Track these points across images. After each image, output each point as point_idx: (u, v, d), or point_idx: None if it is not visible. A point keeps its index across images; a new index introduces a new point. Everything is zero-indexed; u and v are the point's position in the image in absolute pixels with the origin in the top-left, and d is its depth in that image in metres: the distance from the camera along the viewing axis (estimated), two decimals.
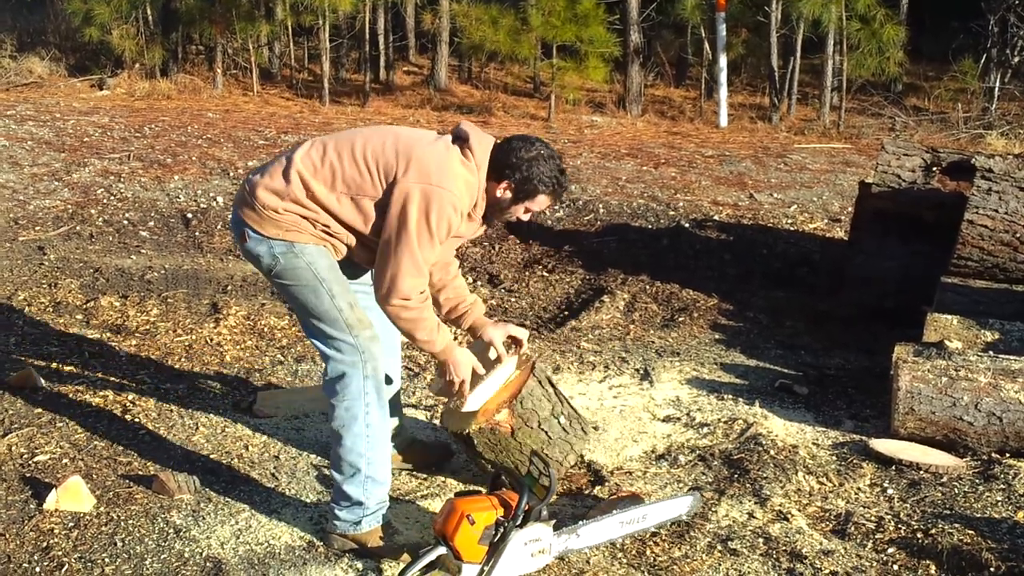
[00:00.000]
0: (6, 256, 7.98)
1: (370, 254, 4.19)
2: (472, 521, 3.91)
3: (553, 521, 4.08)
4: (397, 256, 4.04)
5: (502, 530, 3.93)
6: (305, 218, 4.12)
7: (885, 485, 4.86)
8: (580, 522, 4.18)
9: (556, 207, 10.02)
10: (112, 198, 9.95)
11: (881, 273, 7.36)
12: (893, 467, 5.02)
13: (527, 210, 4.36)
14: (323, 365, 4.26)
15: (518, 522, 3.94)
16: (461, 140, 4.25)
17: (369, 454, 4.16)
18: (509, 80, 20.82)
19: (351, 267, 4.35)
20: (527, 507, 3.96)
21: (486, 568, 3.92)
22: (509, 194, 4.28)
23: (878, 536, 4.39)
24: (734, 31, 18.08)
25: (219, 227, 9.15)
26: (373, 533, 4.16)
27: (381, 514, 4.21)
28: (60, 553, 4.02)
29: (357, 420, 4.15)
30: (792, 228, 9.74)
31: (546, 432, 4.54)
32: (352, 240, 4.20)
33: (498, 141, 4.35)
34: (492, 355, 4.54)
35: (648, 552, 4.23)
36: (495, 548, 3.93)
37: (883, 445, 5.20)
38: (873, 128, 16.31)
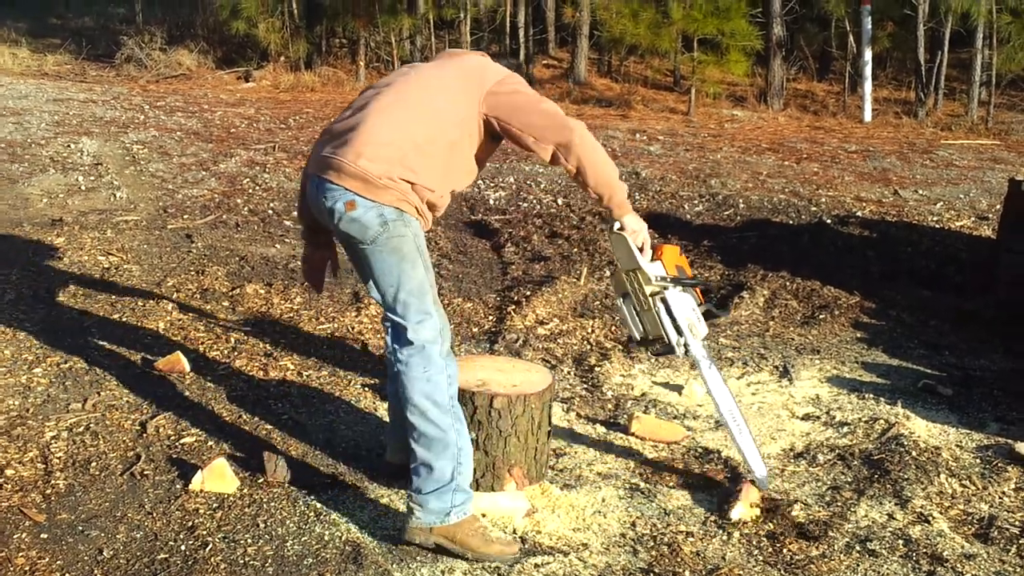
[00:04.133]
0: (156, 243, 8.19)
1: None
2: (681, 253, 4.60)
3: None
4: (538, 106, 4.17)
5: (703, 281, 4.64)
6: (412, 184, 4.04)
7: None
8: (716, 363, 4.72)
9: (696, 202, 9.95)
10: (257, 188, 10.16)
11: None
12: None
13: None
14: (390, 340, 4.11)
15: (702, 287, 4.68)
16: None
17: (457, 425, 4.05)
18: (649, 73, 20.73)
19: None
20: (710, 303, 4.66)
21: (670, 278, 4.47)
22: None
23: (1022, 541, 4.28)
24: (879, 24, 17.78)
25: None
26: (464, 525, 4.01)
27: (467, 507, 4.05)
28: (205, 532, 4.11)
29: (441, 390, 4.01)
30: (938, 226, 9.55)
31: None
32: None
33: None
34: None
35: (785, 551, 4.19)
36: (682, 281, 4.51)
37: None
38: (1023, 124, 15.89)
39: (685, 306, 4.46)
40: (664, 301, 4.43)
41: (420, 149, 4.04)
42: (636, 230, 4.39)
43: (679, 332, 4.44)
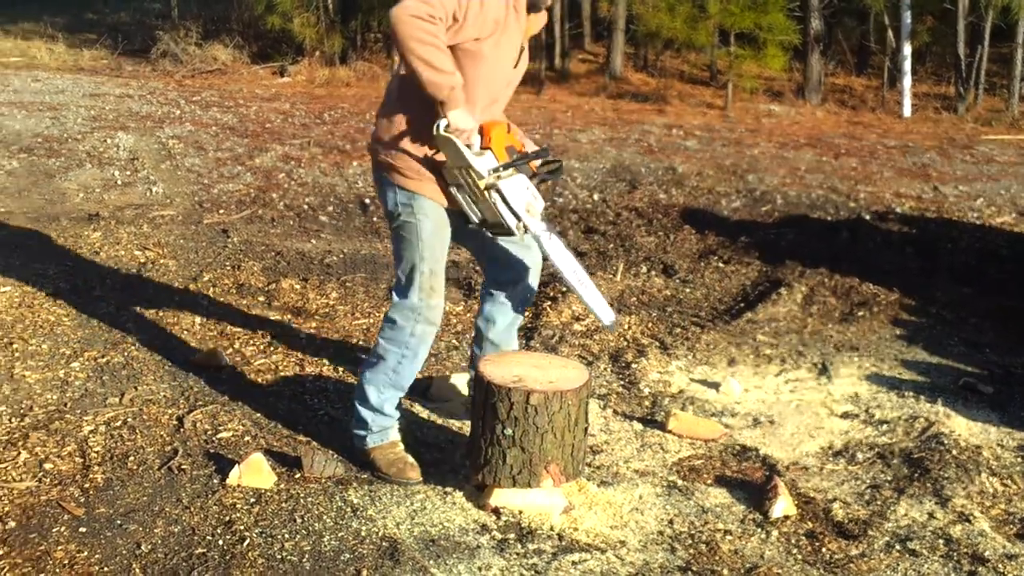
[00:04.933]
0: (192, 238, 8.22)
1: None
2: (509, 130, 4.44)
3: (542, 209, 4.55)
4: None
5: (527, 154, 4.44)
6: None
7: None
8: (554, 231, 4.65)
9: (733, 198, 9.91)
10: (293, 183, 10.18)
11: None
12: None
13: None
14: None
15: (536, 160, 4.51)
16: None
17: (386, 392, 4.62)
18: (685, 68, 20.66)
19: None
20: (533, 170, 4.53)
21: (500, 166, 4.34)
22: None
23: None
24: (919, 18, 17.64)
25: None
26: (377, 450, 4.63)
27: (385, 435, 4.66)
28: (242, 527, 4.11)
29: (387, 363, 4.60)
30: (978, 222, 9.47)
31: None
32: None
33: None
34: None
35: (824, 549, 4.15)
36: (514, 163, 4.37)
37: None
38: None
39: (519, 189, 4.41)
40: (498, 191, 4.37)
41: (424, 102, 4.27)
42: (461, 128, 4.23)
43: (517, 217, 4.42)
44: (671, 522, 4.34)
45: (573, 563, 3.96)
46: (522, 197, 4.40)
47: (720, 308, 7.29)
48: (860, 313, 7.15)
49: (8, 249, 7.56)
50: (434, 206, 4.46)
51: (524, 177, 4.44)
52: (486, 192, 4.34)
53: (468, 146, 4.29)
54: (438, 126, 4.24)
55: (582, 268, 4.73)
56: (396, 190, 4.45)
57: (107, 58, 20.20)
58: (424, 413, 5.29)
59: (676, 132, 14.01)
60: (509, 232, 4.45)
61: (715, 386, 5.83)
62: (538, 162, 4.57)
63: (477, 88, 4.37)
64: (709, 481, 4.73)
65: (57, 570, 3.78)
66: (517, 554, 4.01)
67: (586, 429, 4.36)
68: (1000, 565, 4.06)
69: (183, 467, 4.56)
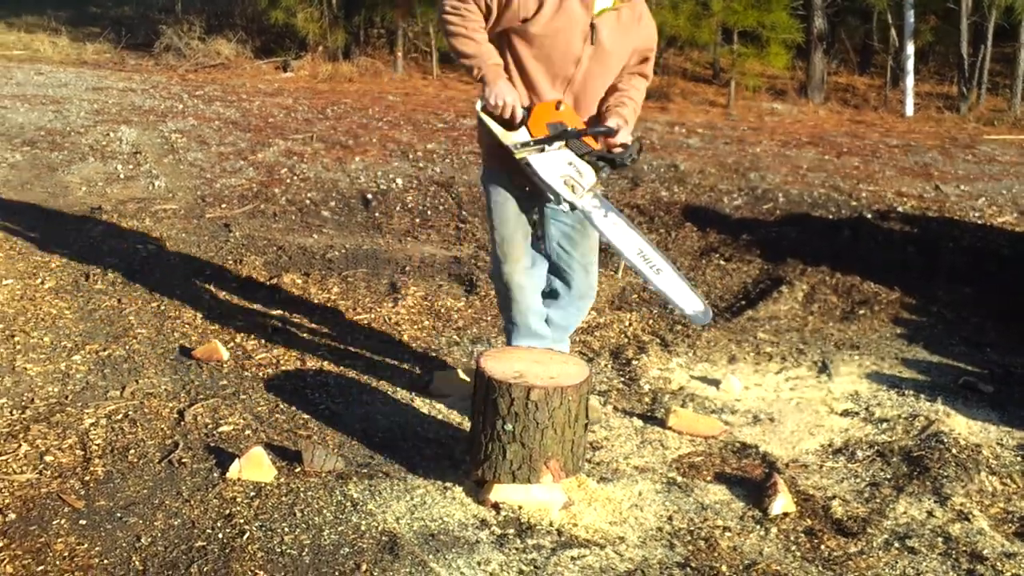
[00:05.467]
0: (194, 232, 8.22)
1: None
2: (560, 108, 4.49)
3: (599, 183, 4.57)
4: None
5: (566, 131, 4.45)
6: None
7: None
8: (616, 210, 4.66)
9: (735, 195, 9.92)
10: (295, 178, 10.17)
11: None
12: None
13: None
14: None
15: (579, 135, 4.49)
16: None
17: (511, 328, 5.17)
18: (688, 66, 20.63)
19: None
20: (592, 147, 4.55)
21: (531, 141, 4.46)
22: None
23: None
24: (922, 18, 17.61)
25: (398, 208, 9.28)
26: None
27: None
28: (242, 521, 4.12)
29: (502, 310, 5.19)
30: (980, 222, 9.46)
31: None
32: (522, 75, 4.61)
33: None
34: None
35: (823, 547, 4.16)
36: (553, 137, 4.44)
37: None
38: None
39: (555, 164, 4.47)
40: (528, 164, 4.46)
41: None
42: (496, 103, 4.49)
43: (555, 192, 4.48)
44: (670, 518, 4.34)
45: (572, 558, 3.97)
46: (558, 172, 4.46)
47: (721, 306, 7.30)
48: (861, 312, 7.16)
49: (10, 242, 7.57)
50: (504, 181, 4.80)
51: (570, 153, 4.50)
52: (522, 165, 4.45)
53: (508, 121, 4.48)
54: (476, 104, 4.50)
55: (656, 250, 4.67)
56: (481, 168, 4.99)
57: (110, 52, 20.19)
58: (425, 408, 5.30)
59: (678, 130, 14.00)
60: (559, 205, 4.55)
61: (715, 383, 5.83)
62: (620, 141, 4.60)
63: (535, 67, 4.55)
64: (709, 478, 4.73)
65: (57, 562, 3.79)
66: (516, 549, 4.02)
67: (586, 425, 4.36)
68: (998, 563, 4.06)
69: (183, 460, 4.57)
